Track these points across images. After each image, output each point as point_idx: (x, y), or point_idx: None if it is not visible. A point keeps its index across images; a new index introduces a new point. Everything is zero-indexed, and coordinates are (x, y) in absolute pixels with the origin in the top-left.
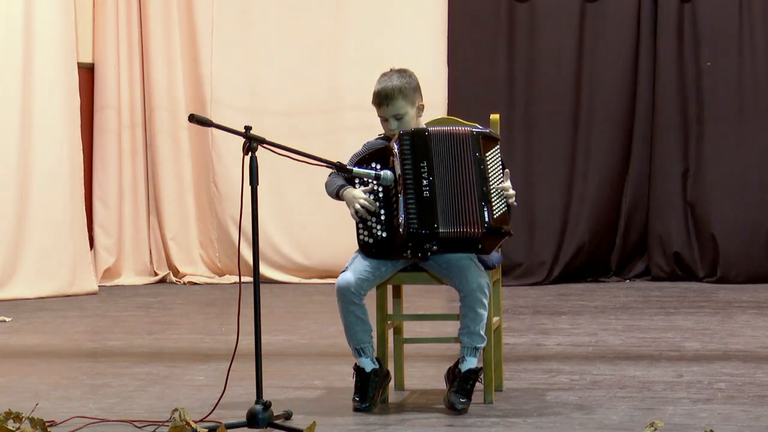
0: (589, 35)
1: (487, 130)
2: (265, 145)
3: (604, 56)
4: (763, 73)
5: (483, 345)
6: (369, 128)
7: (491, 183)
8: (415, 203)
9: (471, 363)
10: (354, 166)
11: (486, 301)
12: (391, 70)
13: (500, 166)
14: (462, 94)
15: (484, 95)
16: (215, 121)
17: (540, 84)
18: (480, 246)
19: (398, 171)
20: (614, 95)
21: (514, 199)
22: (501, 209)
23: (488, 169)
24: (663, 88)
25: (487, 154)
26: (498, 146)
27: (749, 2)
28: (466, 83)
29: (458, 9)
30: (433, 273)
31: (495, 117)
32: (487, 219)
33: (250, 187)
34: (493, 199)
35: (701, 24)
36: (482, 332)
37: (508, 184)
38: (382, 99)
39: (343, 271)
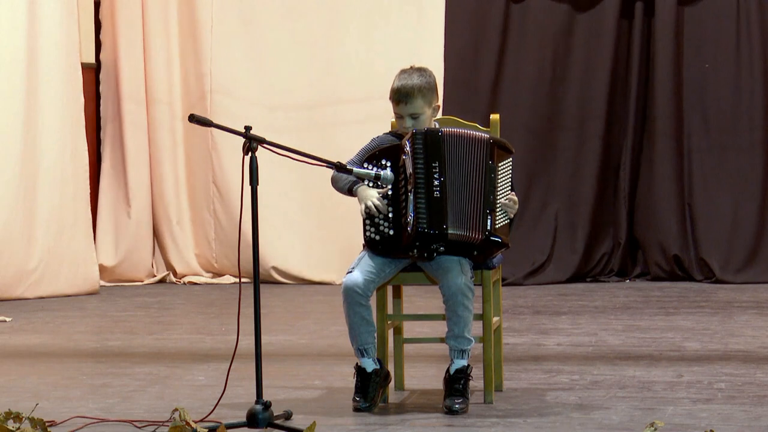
0: (588, 35)
1: (503, 141)
2: (265, 145)
3: (603, 56)
4: (759, 75)
5: (470, 347)
6: (365, 123)
7: (499, 193)
8: (425, 203)
9: (459, 364)
10: (363, 161)
11: (468, 303)
12: (411, 67)
13: (510, 179)
14: (458, 94)
15: (480, 95)
16: (215, 119)
17: (538, 84)
18: (475, 252)
19: (409, 170)
20: (612, 96)
21: (515, 211)
22: (503, 221)
23: (498, 178)
24: (660, 89)
25: (499, 164)
26: (511, 159)
27: (747, 6)
28: (463, 83)
29: (455, 9)
30: (428, 273)
31: (495, 117)
32: (489, 227)
33: (250, 187)
34: (497, 209)
35: (698, 28)
36: (467, 334)
37: (514, 197)
38: (402, 96)
39: (349, 272)
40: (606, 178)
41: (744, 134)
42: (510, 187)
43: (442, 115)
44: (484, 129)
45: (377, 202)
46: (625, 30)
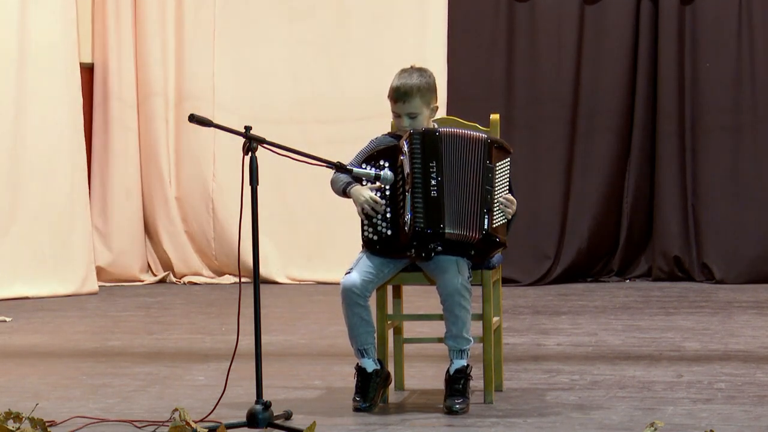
0: (589, 36)
1: (501, 141)
2: (264, 145)
3: (605, 57)
4: (761, 74)
5: (469, 346)
6: (367, 125)
7: (496, 192)
8: (423, 203)
9: (459, 364)
10: (361, 163)
11: (465, 303)
12: (411, 67)
13: (507, 179)
14: (461, 94)
15: (483, 95)
16: (215, 119)
17: (540, 84)
18: (473, 251)
19: (407, 170)
20: (614, 96)
21: (512, 211)
22: (500, 220)
23: (495, 178)
24: (663, 89)
25: (497, 164)
26: (509, 159)
27: (748, 3)
28: (466, 83)
29: (458, 8)
30: (426, 273)
31: (495, 117)
32: (486, 226)
33: (250, 187)
34: (495, 209)
35: (700, 26)
36: (466, 334)
37: (511, 197)
38: (400, 95)
39: (348, 272)
40: (611, 177)
41: (744, 135)
42: (508, 187)
43: (446, 115)
44: (484, 129)
45: (372, 202)
46: (632, 27)
